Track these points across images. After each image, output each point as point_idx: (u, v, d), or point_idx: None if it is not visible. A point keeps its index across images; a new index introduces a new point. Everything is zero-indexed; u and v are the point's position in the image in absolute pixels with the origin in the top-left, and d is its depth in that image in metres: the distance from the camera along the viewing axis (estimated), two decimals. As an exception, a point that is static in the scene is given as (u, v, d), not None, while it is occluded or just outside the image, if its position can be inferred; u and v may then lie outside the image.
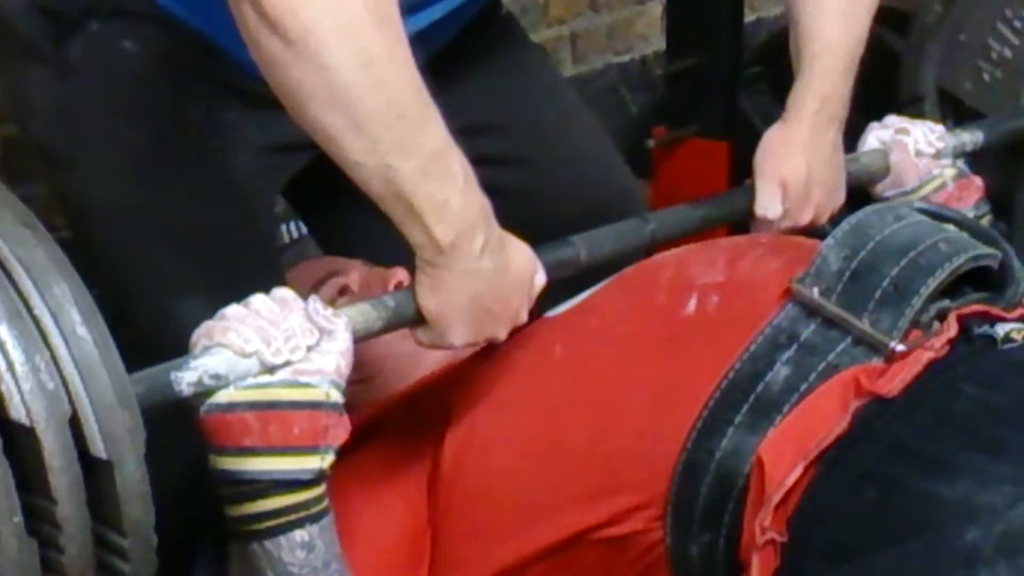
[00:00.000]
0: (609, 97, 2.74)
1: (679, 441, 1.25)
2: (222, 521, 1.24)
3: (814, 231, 1.57)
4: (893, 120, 1.65)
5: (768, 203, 1.52)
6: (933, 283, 1.27)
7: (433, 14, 1.48)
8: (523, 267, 1.33)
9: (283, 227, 2.26)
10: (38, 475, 1.00)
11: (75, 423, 1.02)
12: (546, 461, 1.32)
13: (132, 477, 1.03)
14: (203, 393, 1.18)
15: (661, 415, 1.28)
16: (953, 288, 1.30)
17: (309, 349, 1.21)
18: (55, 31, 1.49)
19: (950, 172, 1.61)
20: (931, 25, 1.83)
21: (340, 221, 1.75)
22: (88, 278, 1.51)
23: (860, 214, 1.34)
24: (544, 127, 1.72)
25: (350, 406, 1.32)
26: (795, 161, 1.51)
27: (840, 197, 1.55)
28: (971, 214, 1.58)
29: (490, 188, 1.31)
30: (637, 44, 2.76)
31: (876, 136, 1.64)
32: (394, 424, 1.45)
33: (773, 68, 2.43)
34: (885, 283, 1.28)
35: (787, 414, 1.23)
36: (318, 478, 1.21)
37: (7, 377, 0.99)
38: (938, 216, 1.36)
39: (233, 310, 1.21)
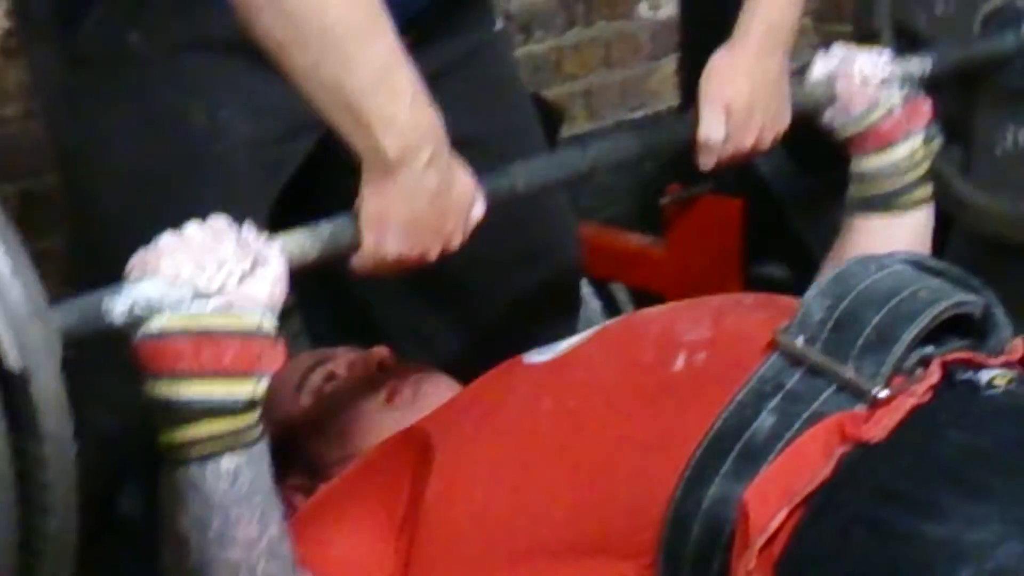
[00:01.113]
0: None
1: (668, 491, 1.30)
2: (152, 456, 1.27)
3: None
4: (839, 49, 1.70)
5: (711, 127, 1.56)
6: (915, 329, 1.32)
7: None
8: (465, 191, 1.39)
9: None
10: None
11: None
12: (535, 510, 1.37)
13: (48, 388, 1.03)
14: (136, 322, 1.21)
15: (651, 467, 1.33)
16: (936, 335, 1.35)
17: (243, 277, 1.25)
18: (64, 12, 1.53)
19: (897, 98, 1.65)
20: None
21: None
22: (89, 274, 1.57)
23: (843, 265, 1.41)
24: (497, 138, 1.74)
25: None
26: (738, 85, 1.56)
27: (784, 121, 1.60)
28: (921, 137, 1.65)
29: None
30: (650, 100, 2.79)
31: (822, 64, 1.69)
32: (372, 461, 1.49)
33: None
34: (868, 330, 1.33)
35: (772, 461, 1.28)
36: (250, 405, 1.25)
37: None
38: (921, 266, 1.41)
39: (166, 239, 1.25)
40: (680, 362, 1.40)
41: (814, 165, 1.91)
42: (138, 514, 1.50)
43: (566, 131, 2.47)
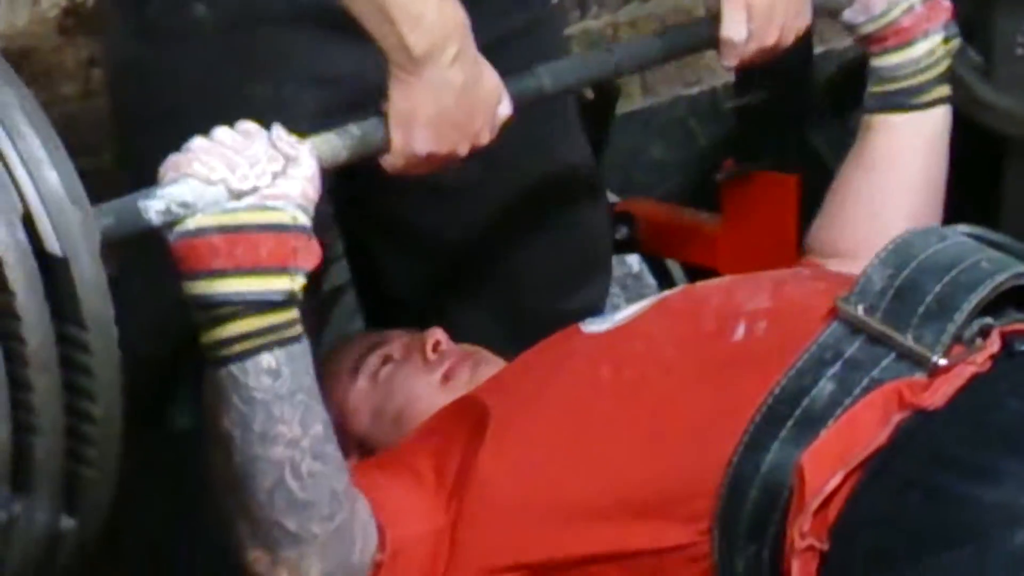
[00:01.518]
0: (678, 129, 2.79)
1: (726, 457, 1.34)
2: (198, 359, 1.31)
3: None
4: None
5: (734, 26, 1.58)
6: (975, 299, 1.36)
7: None
8: (491, 89, 1.42)
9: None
10: None
11: (28, 222, 1.04)
12: (590, 473, 1.41)
13: (88, 272, 1.05)
14: (172, 222, 1.24)
15: (709, 434, 1.37)
16: (996, 306, 1.38)
17: (275, 176, 1.27)
18: None
19: None
20: None
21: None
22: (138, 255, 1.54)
23: (905, 235, 1.44)
24: None
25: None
26: None
27: (805, 19, 1.62)
28: (940, 34, 1.67)
29: None
30: (706, 76, 2.78)
31: None
32: (427, 429, 1.53)
33: (843, 101, 2.49)
34: (928, 299, 1.37)
35: (830, 427, 1.32)
36: (288, 301, 1.27)
37: None
38: (981, 238, 1.45)
39: (197, 142, 1.28)
40: (740, 332, 1.44)
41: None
42: (188, 428, 1.53)
43: (621, 107, 2.47)
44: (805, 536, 1.28)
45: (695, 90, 2.82)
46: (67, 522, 1.10)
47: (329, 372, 1.62)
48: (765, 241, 2.29)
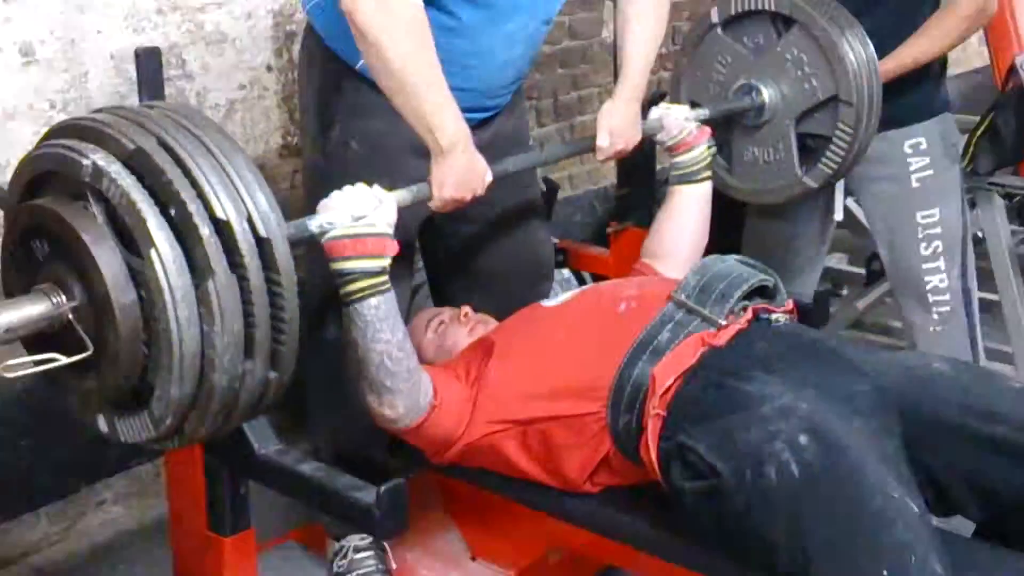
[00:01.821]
0: (588, 207, 2.79)
1: (615, 368, 1.36)
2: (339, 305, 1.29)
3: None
4: (663, 104, 1.72)
5: (602, 139, 1.60)
6: (739, 292, 1.39)
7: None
8: (483, 168, 1.43)
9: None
10: (235, 248, 1.03)
11: (249, 220, 1.04)
12: (548, 375, 1.41)
13: (280, 246, 1.05)
14: (322, 232, 1.25)
15: (607, 358, 1.38)
16: (751, 296, 1.41)
17: (374, 209, 1.28)
18: (323, 124, 1.56)
19: (693, 125, 1.67)
20: (682, 68, 1.92)
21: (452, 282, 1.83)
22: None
23: (705, 260, 1.46)
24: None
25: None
26: (615, 120, 1.60)
27: (637, 138, 1.64)
28: (705, 144, 1.68)
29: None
30: (603, 179, 2.77)
31: (655, 111, 1.70)
32: (460, 356, 1.52)
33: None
34: (716, 292, 1.39)
35: (666, 355, 1.34)
36: (382, 271, 1.28)
37: (212, 196, 1.03)
38: (743, 261, 1.47)
39: (335, 194, 1.28)
40: (623, 307, 1.45)
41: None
42: (335, 339, 1.51)
43: (560, 196, 2.47)
44: (655, 408, 1.30)
45: (598, 186, 2.82)
46: (272, 374, 1.09)
47: (413, 328, 1.61)
48: (632, 264, 2.27)
